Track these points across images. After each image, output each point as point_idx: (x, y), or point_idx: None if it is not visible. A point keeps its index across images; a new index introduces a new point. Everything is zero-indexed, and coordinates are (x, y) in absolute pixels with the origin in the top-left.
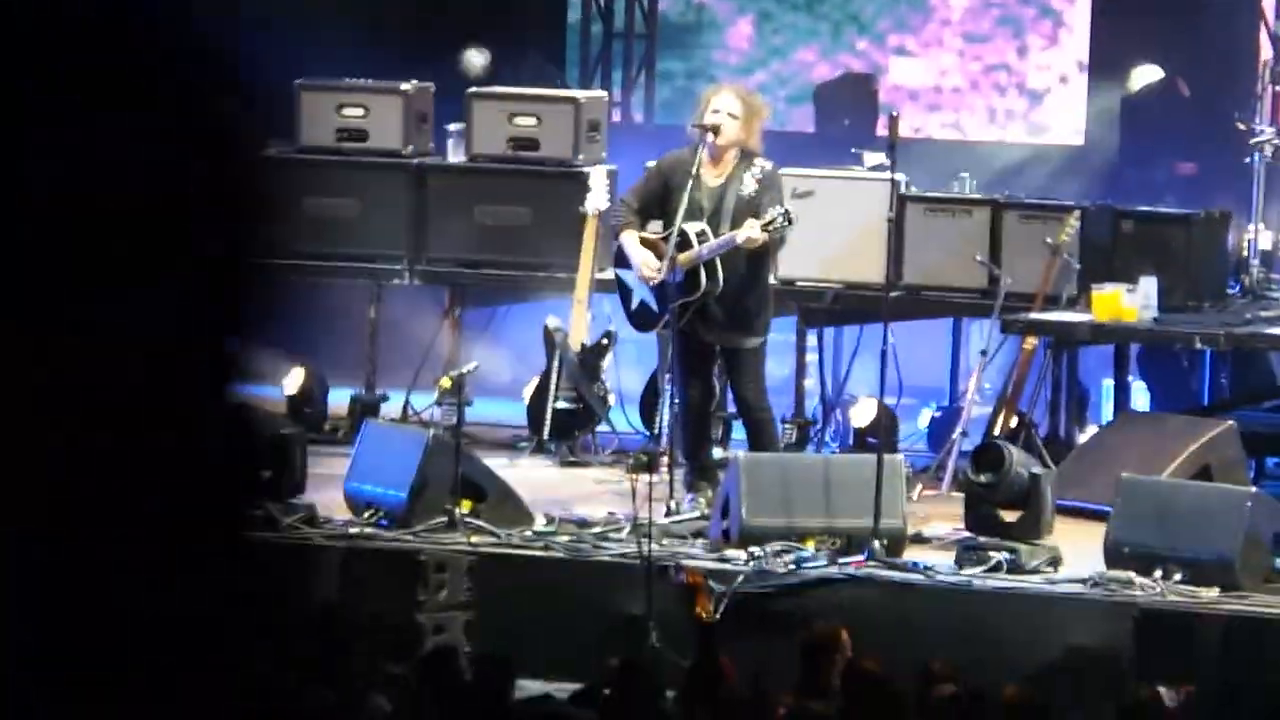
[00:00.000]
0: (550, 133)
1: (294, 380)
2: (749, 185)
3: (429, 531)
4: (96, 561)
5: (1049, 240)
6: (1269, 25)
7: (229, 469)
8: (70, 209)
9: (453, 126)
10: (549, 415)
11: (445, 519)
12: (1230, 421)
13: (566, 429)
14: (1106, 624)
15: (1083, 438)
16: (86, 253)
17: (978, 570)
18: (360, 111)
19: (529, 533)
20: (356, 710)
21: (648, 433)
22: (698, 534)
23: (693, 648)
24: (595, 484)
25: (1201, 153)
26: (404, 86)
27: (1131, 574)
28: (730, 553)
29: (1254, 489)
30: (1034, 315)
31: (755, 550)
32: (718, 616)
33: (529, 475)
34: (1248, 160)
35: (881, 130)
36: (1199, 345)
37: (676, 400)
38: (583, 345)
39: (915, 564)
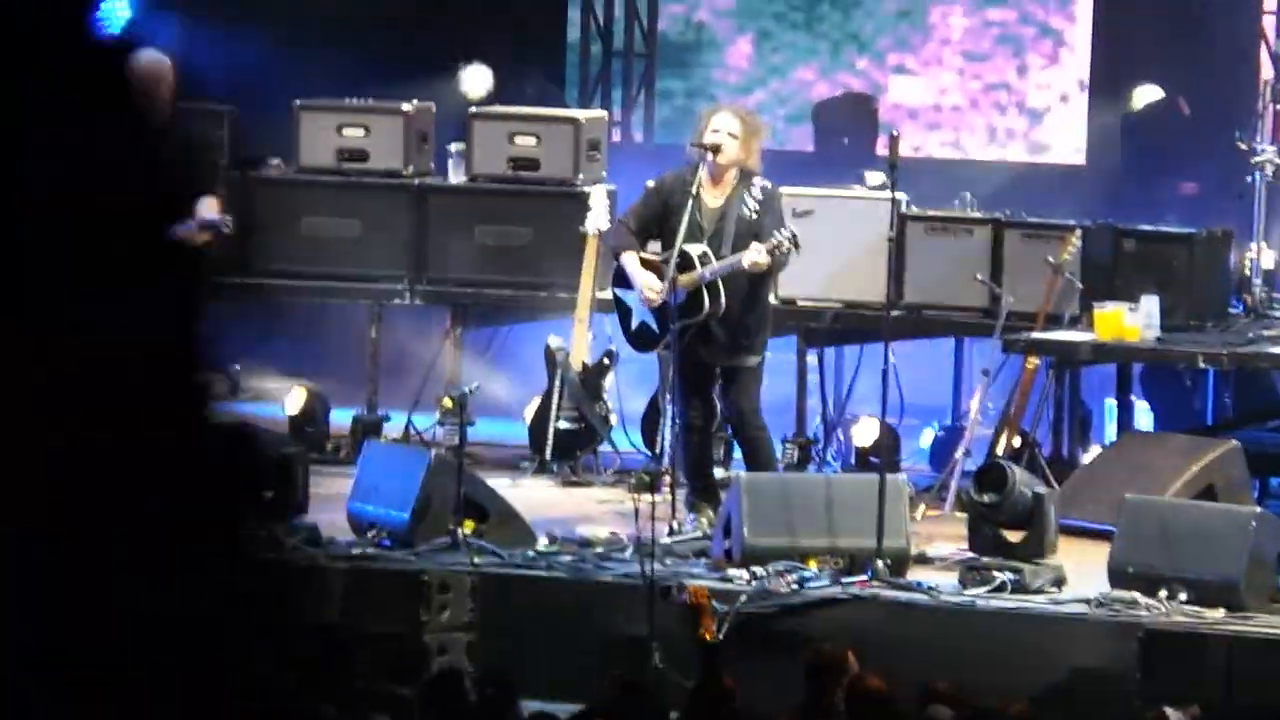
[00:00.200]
0: (550, 152)
1: (295, 400)
2: (750, 206)
3: (432, 552)
4: (96, 561)
5: (1050, 259)
6: (1269, 44)
7: (232, 489)
8: (70, 209)
9: (453, 146)
10: (551, 435)
11: (448, 539)
12: (1234, 441)
13: (568, 449)
14: (1111, 644)
15: (1086, 458)
16: (86, 253)
17: (981, 590)
18: (361, 132)
19: (531, 553)
20: None
21: (649, 452)
22: (700, 554)
23: (696, 668)
24: (597, 504)
25: (1202, 172)
26: (404, 107)
27: (1136, 594)
28: (733, 572)
29: (1258, 509)
30: (1036, 335)
31: (758, 570)
32: (721, 637)
33: (531, 495)
34: (1249, 179)
35: (881, 149)
36: (1202, 364)
37: (677, 420)
38: (584, 365)
39: (919, 584)
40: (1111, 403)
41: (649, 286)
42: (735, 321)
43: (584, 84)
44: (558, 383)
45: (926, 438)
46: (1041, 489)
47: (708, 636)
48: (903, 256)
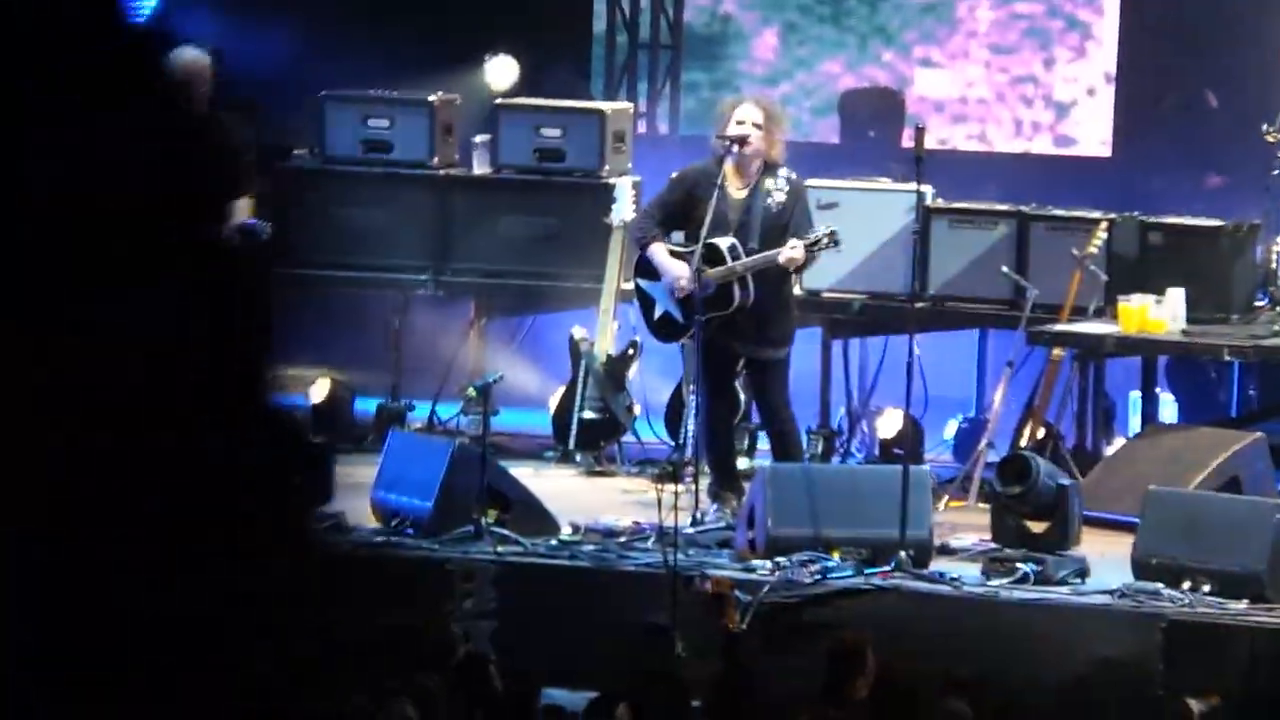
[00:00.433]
0: (576, 144)
1: (320, 389)
2: (775, 197)
3: (455, 541)
4: (96, 561)
5: (1076, 252)
6: None
7: (272, 477)
8: (70, 209)
9: (479, 138)
10: (575, 425)
11: (472, 528)
12: (1259, 433)
13: (592, 439)
14: (1134, 636)
15: (1110, 449)
16: (86, 253)
17: (1005, 581)
18: (386, 123)
19: (555, 542)
20: (385, 718)
21: (673, 443)
22: (723, 544)
23: (719, 657)
24: (621, 494)
25: (1229, 164)
26: (430, 98)
27: (1160, 586)
28: (756, 562)
29: None
30: (1061, 327)
31: (781, 560)
32: (744, 626)
33: (554, 485)
34: (1276, 172)
35: (907, 142)
36: (1227, 357)
37: (701, 411)
38: (608, 355)
39: (942, 574)
40: (1136, 395)
41: (681, 276)
42: (761, 312)
43: (609, 76)
44: (582, 373)
45: (950, 429)
46: (1065, 480)
47: (730, 626)
48: (927, 249)
